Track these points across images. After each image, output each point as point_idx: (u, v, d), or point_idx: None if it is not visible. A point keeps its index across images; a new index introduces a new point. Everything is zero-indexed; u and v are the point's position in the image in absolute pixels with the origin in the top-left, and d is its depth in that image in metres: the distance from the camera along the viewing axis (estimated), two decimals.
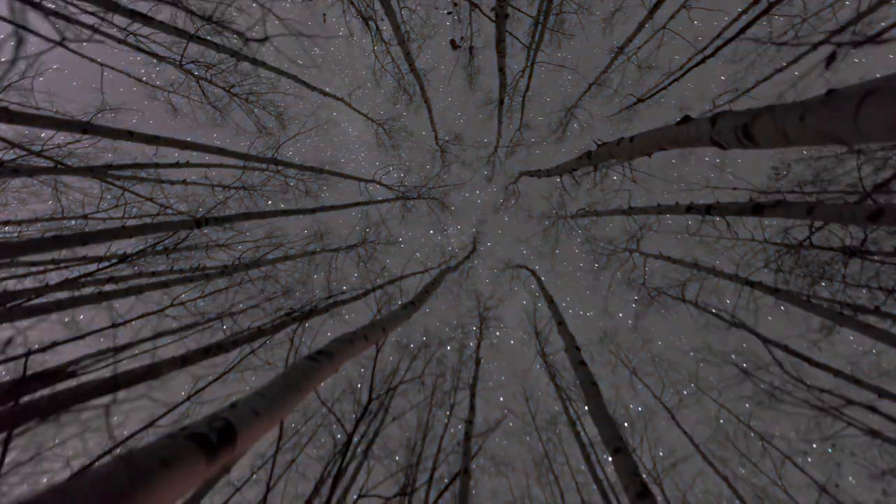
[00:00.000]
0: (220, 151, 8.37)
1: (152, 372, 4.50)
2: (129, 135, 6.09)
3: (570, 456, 13.11)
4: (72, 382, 4.43)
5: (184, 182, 11.44)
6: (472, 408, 9.32)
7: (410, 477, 9.59)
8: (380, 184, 12.42)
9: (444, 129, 13.84)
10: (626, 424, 12.72)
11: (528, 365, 15.64)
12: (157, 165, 9.09)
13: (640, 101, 10.40)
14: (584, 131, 12.16)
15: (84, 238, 5.20)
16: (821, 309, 7.16)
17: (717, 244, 11.05)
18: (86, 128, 5.61)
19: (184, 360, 4.94)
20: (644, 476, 10.98)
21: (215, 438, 1.54)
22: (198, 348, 5.42)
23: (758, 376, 12.50)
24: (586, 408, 4.18)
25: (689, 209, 6.92)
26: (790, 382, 11.68)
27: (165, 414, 9.18)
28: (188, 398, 9.41)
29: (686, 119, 2.98)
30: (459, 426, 10.50)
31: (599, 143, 4.42)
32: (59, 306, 6.26)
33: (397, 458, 10.97)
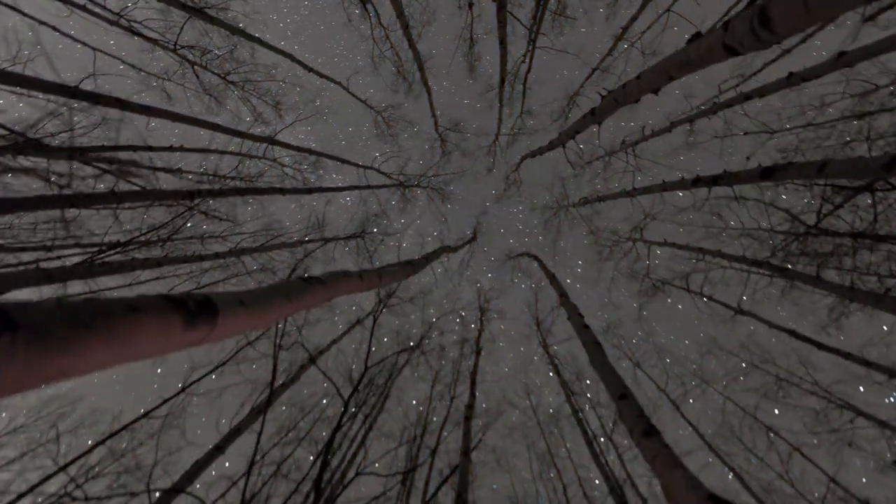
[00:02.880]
0: (215, 127, 8.22)
1: None
2: (120, 103, 5.95)
3: (572, 450, 12.89)
4: None
5: (179, 171, 11.30)
6: (472, 395, 9.16)
7: (411, 457, 9.39)
8: (378, 171, 12.28)
9: (444, 118, 13.70)
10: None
11: (529, 360, 15.42)
12: (150, 148, 8.92)
13: None
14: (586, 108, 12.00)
15: (72, 200, 5.05)
16: (831, 285, 6.96)
17: (722, 235, 10.91)
18: (74, 92, 5.47)
19: None
20: (648, 468, 10.72)
21: (193, 307, 1.46)
22: None
23: (764, 368, 12.33)
24: (590, 365, 4.01)
25: (696, 182, 6.75)
26: (796, 375, 11.53)
27: (160, 406, 8.99)
28: (183, 389, 9.24)
29: (696, 36, 2.82)
30: (460, 419, 10.36)
31: (604, 93, 4.26)
32: (49, 278, 6.07)
33: (398, 440, 10.78)
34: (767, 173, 5.35)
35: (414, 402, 12.17)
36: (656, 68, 3.25)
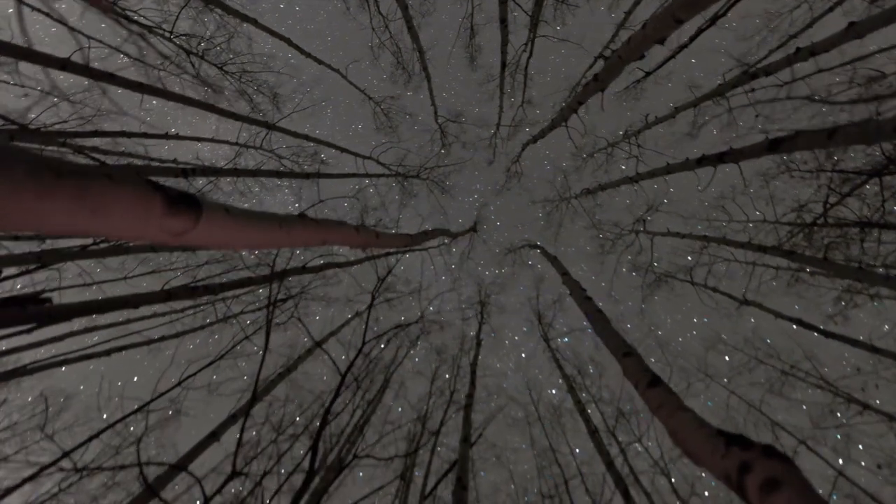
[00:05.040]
0: (212, 108, 8.09)
1: (132, 301, 4.18)
2: (111, 77, 5.83)
3: (573, 446, 12.70)
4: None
5: (174, 161, 11.19)
6: (472, 384, 9.04)
7: (411, 446, 9.26)
8: (377, 161, 12.14)
9: (444, 109, 13.57)
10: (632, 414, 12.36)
11: (529, 355, 15.27)
12: (145, 135, 8.83)
13: (647, 74, 10.12)
14: (589, 109, 11.91)
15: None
16: (839, 267, 6.79)
17: (726, 228, 10.75)
18: (65, 64, 5.35)
19: (168, 295, 4.63)
20: (651, 464, 10.53)
21: (175, 195, 1.33)
22: (183, 284, 5.10)
23: (769, 363, 12.16)
24: (592, 331, 3.90)
25: (701, 161, 6.61)
26: (802, 369, 11.36)
27: (156, 399, 8.83)
28: (179, 383, 9.10)
29: None
30: (459, 413, 10.25)
31: (609, 54, 4.11)
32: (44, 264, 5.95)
33: (397, 431, 10.63)
34: (775, 145, 5.21)
35: (414, 397, 12.06)
36: (662, 12, 3.11)
